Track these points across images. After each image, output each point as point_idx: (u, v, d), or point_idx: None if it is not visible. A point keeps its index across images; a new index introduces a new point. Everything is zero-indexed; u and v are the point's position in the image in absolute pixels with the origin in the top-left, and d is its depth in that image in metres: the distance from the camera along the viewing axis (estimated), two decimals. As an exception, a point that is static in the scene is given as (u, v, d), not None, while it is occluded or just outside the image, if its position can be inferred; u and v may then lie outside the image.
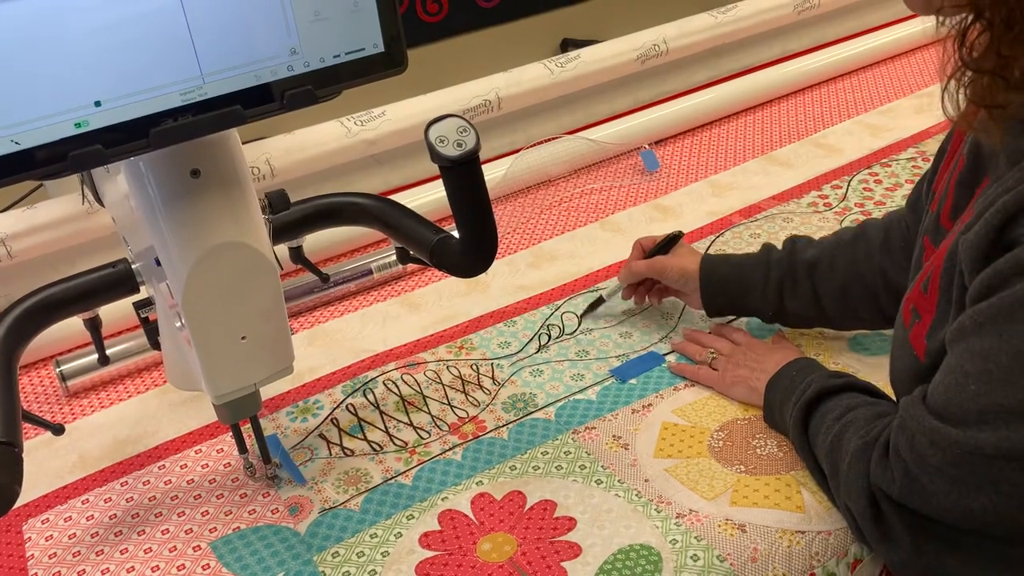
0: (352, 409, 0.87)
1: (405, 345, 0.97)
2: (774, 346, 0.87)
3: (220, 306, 0.65)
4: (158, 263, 0.64)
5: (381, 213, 0.78)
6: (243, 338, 0.67)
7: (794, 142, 1.35)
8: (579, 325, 0.97)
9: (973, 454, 0.55)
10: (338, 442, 0.83)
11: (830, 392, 0.71)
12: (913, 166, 1.22)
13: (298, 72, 0.57)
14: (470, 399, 0.88)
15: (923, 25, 1.71)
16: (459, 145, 0.66)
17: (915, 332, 0.64)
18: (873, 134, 1.34)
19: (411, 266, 1.10)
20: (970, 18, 0.53)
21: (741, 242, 1.09)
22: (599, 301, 0.99)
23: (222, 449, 0.84)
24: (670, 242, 0.95)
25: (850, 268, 0.84)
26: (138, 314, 0.73)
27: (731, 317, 0.94)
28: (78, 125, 0.51)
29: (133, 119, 0.52)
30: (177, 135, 0.54)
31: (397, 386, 0.90)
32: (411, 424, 0.85)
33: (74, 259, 1.01)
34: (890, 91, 1.49)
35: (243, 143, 0.65)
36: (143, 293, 0.73)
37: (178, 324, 0.67)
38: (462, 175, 0.67)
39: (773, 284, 0.86)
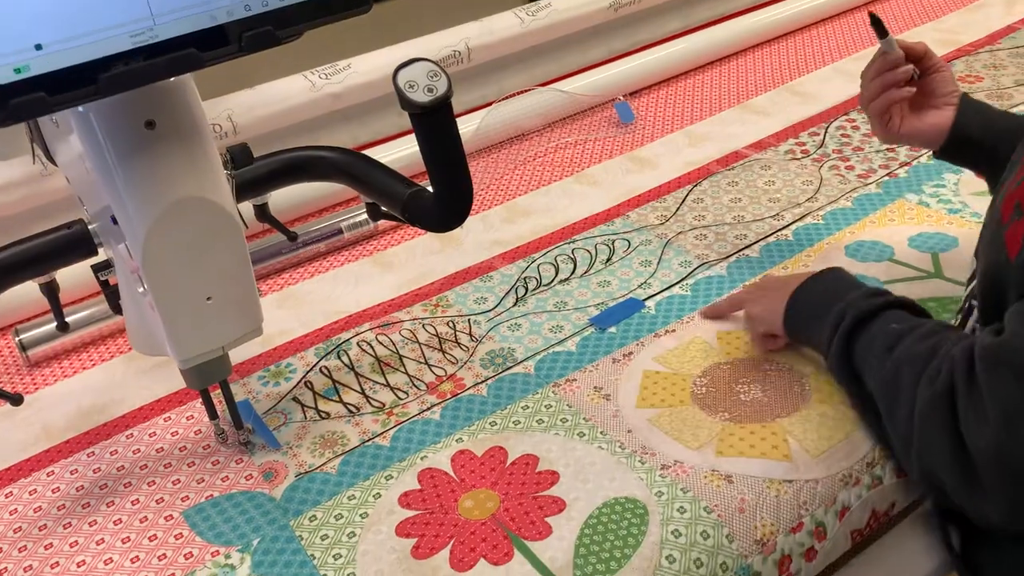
0: (326, 372, 0.85)
1: (379, 305, 0.94)
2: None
3: (182, 266, 0.62)
4: (114, 222, 0.61)
5: (349, 167, 0.75)
6: (208, 299, 0.64)
7: (770, 90, 1.33)
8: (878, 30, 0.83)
9: None
10: (312, 405, 0.81)
11: (868, 316, 0.68)
12: (890, 112, 1.21)
13: (256, 12, 0.53)
14: (448, 357, 0.86)
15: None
16: (430, 90, 0.63)
17: (1013, 228, 0.60)
18: (850, 80, 1.32)
19: (383, 224, 1.07)
20: None
21: (719, 191, 1.07)
22: (883, 33, 0.84)
23: (192, 416, 0.82)
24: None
25: None
26: (97, 277, 0.70)
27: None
28: (18, 71, 0.47)
29: (79, 64, 0.49)
30: (128, 81, 0.50)
31: (372, 347, 0.88)
32: (388, 385, 0.83)
33: (28, 224, 0.97)
34: (866, 38, 1.47)
35: (204, 100, 0.62)
36: (102, 255, 0.69)
37: (140, 290, 0.64)
38: (434, 122, 0.64)
39: None
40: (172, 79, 0.58)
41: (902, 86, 0.83)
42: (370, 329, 0.90)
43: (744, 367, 0.79)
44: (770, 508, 0.66)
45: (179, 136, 0.58)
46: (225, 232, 0.62)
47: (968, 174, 1.03)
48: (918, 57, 0.83)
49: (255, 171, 0.72)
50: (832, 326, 0.70)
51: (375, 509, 0.69)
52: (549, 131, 1.27)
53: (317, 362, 0.86)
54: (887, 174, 1.07)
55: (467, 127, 1.19)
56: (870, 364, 0.67)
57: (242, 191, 0.72)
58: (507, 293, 0.94)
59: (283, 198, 1.05)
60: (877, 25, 0.84)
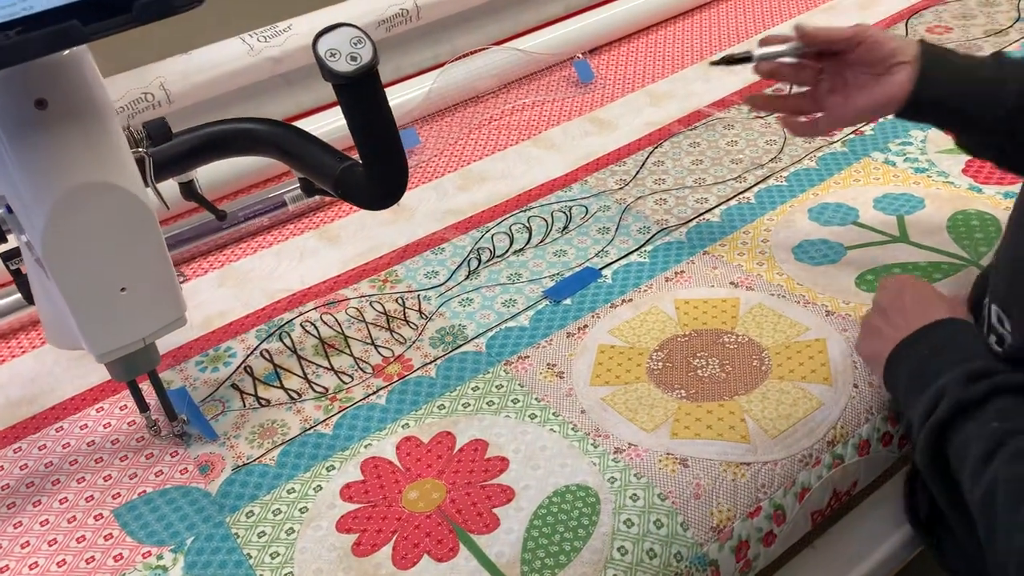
0: (267, 355, 0.81)
1: (325, 282, 0.90)
2: (937, 297, 0.68)
3: (89, 256, 0.57)
4: (10, 211, 0.56)
5: (278, 141, 0.70)
6: (122, 290, 0.59)
7: (734, 45, 1.28)
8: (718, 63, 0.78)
9: None
10: (252, 392, 0.77)
11: (967, 407, 0.57)
12: (857, 65, 1.16)
13: (147, -23, 0.48)
14: (396, 337, 0.82)
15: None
16: (353, 59, 0.58)
17: None
18: (816, 32, 1.27)
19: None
20: None
21: (680, 152, 1.03)
22: (745, 59, 0.78)
23: (126, 406, 0.77)
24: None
25: None
26: (7, 266, 0.65)
27: None
28: None
29: (-59, 40, 0.44)
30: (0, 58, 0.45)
31: (316, 328, 0.84)
32: (332, 368, 0.79)
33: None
34: (833, -14, 1.42)
35: (133, 68, 0.57)
36: (13, 242, 0.64)
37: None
38: (358, 93, 0.59)
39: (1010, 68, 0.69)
40: (65, 53, 0.53)
41: (791, 86, 0.79)
42: (314, 308, 0.86)
43: (702, 339, 0.75)
44: (727, 492, 0.63)
45: (75, 116, 0.53)
46: (134, 218, 0.58)
47: (936, 131, 1.00)
48: (821, 42, 0.75)
49: (175, 148, 0.67)
50: (923, 413, 0.58)
51: (315, 503, 0.66)
52: (505, 92, 1.22)
53: (257, 345, 0.82)
54: (853, 131, 1.03)
55: (418, 90, 1.14)
56: (965, 472, 0.56)
57: (163, 169, 0.67)
58: (459, 266, 0.90)
59: (223, 169, 1.00)
60: (729, 63, 0.79)
